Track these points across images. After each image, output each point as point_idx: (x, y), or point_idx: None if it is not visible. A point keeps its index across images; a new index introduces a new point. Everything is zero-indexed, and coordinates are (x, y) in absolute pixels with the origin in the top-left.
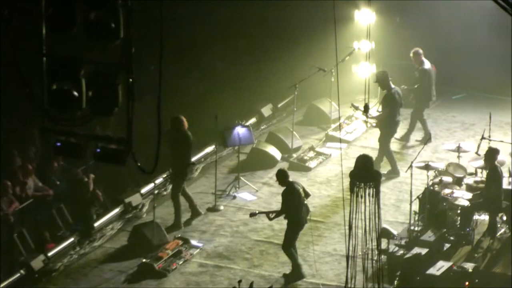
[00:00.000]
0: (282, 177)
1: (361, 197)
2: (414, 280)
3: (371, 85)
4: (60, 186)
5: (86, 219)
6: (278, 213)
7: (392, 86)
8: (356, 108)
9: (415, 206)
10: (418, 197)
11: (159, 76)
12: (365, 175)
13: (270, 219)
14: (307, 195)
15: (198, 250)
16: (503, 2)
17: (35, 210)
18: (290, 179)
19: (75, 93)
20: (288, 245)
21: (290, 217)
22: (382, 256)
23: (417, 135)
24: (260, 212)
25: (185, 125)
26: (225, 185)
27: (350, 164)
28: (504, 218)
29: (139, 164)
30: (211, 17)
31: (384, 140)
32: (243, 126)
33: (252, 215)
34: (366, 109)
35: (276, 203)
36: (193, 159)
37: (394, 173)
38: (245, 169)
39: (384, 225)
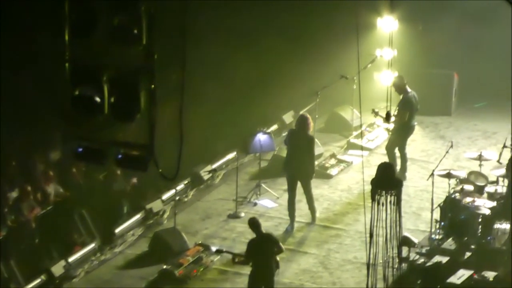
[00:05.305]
0: (256, 226)
1: (382, 205)
2: None
3: (393, 93)
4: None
5: (113, 216)
6: (243, 261)
7: (409, 90)
8: (377, 114)
9: (436, 215)
10: (439, 205)
11: (182, 83)
12: (386, 183)
13: (234, 262)
14: (279, 250)
15: (219, 257)
16: None
17: (56, 215)
18: (263, 231)
19: (98, 99)
20: None
21: (253, 266)
22: (403, 264)
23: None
24: (228, 252)
25: (310, 127)
26: (246, 192)
27: (371, 172)
28: None
29: (160, 171)
30: (233, 25)
31: (400, 144)
32: (265, 133)
33: (219, 252)
34: (388, 117)
35: (298, 210)
36: (214, 166)
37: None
38: (266, 176)
39: (405, 233)
